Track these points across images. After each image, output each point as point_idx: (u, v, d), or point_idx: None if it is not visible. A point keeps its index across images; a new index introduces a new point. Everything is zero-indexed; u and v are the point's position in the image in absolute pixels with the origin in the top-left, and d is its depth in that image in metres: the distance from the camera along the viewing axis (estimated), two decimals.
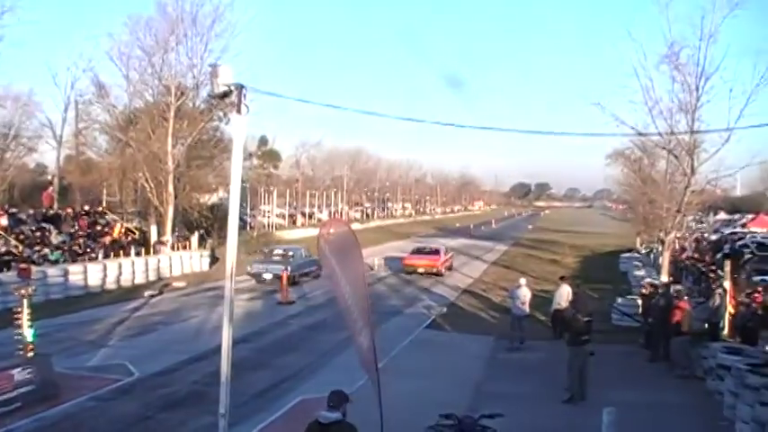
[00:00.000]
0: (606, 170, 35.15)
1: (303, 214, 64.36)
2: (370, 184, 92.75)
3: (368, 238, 46.18)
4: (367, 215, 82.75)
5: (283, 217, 59.88)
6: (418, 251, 31.85)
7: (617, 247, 42.91)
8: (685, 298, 13.96)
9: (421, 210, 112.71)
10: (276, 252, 27.46)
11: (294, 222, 61.52)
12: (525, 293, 16.23)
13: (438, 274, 29.48)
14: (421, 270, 29.72)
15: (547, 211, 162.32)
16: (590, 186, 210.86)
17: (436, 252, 31.56)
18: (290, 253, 26.91)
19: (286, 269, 24.09)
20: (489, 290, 25.68)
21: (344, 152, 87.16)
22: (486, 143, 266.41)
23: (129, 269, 25.35)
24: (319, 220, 62.03)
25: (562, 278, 17.88)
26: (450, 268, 31.60)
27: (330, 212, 67.49)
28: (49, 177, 41.35)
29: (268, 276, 25.19)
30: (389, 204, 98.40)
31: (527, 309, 16.17)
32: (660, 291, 16.00)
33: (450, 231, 65.42)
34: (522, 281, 16.80)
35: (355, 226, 59.89)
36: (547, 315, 17.63)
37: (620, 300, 19.21)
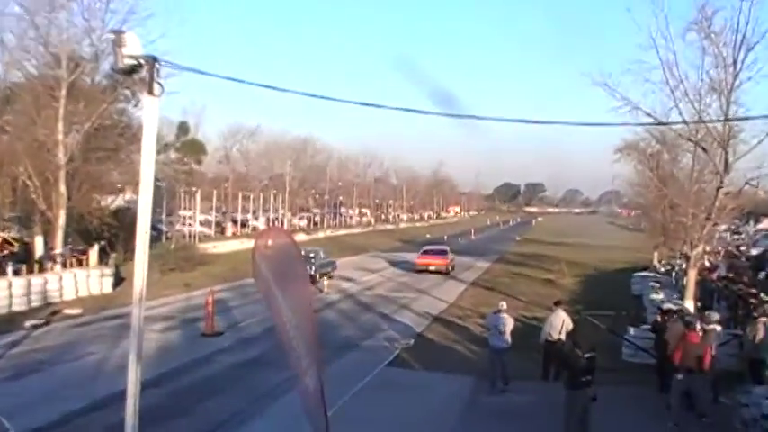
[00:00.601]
0: (615, 168, 35.19)
1: (234, 222, 64.05)
2: (319, 184, 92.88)
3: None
4: (315, 223, 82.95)
5: (209, 225, 59.45)
6: (428, 252, 43.04)
7: (628, 263, 43.58)
8: (698, 327, 14.10)
9: (383, 216, 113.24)
10: None
11: (223, 232, 61.20)
12: (506, 321, 16.45)
13: (447, 273, 40.43)
14: (432, 268, 40.57)
15: (540, 219, 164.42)
16: (594, 188, 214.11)
17: (444, 252, 43.00)
18: (312, 254, 35.46)
19: (311, 269, 31.72)
20: (467, 317, 25.98)
21: (286, 144, 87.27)
22: (464, 135, 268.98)
23: (5, 292, 24.81)
24: (255, 229, 61.72)
25: (557, 303, 17.91)
26: (453, 268, 41.76)
27: (268, 220, 67.34)
28: None
29: None
30: (343, 210, 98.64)
31: (509, 340, 16.35)
32: (668, 318, 16.21)
33: (419, 244, 65.52)
34: (503, 305, 17.02)
35: (300, 238, 59.75)
36: (537, 349, 17.83)
37: (632, 330, 19.42)
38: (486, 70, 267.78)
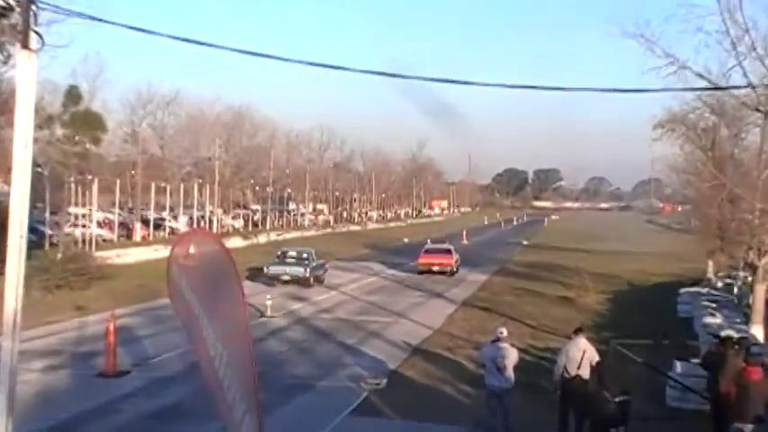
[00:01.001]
0: (654, 149, 35.26)
1: (145, 222, 63.49)
2: (260, 171, 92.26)
3: (252, 262, 45.90)
4: (255, 224, 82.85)
5: (110, 227, 58.92)
6: (430, 251, 51.93)
7: (673, 276, 43.99)
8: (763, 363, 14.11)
9: (345, 215, 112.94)
10: (290, 254, 43.46)
11: (129, 236, 60.76)
12: (508, 353, 16.51)
13: (451, 274, 48.70)
14: (436, 268, 48.83)
15: (554, 216, 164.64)
16: (626, 176, 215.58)
17: (448, 252, 51.34)
18: (305, 255, 43.33)
19: (306, 271, 41.40)
20: (457, 348, 26.00)
21: (215, 117, 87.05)
22: (453, 109, 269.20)
23: None
24: (173, 232, 61.33)
25: (579, 330, 17.80)
26: (457, 269, 50.28)
27: (191, 220, 67.20)
28: None
29: (287, 278, 41.17)
30: (292, 206, 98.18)
31: (512, 378, 16.40)
32: (727, 349, 16.24)
33: (394, 252, 66.01)
34: (503, 331, 17.09)
35: (234, 243, 59.59)
36: (551, 390, 17.78)
37: (678, 366, 19.48)
38: (479, 26, 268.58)
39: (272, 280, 41.09)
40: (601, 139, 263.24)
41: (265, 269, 41.96)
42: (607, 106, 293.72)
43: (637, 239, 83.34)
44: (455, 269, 49.92)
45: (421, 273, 48.57)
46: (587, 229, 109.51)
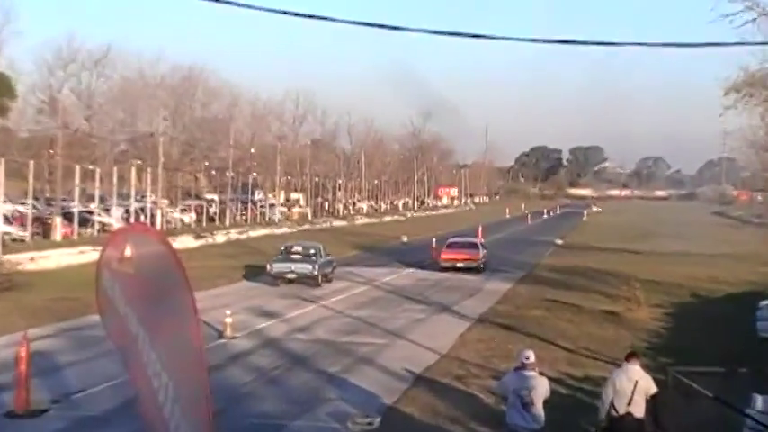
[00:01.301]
0: (726, 120, 35.13)
1: (68, 217, 63.39)
2: (217, 150, 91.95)
3: (208, 269, 46.61)
4: (211, 219, 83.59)
5: (21, 222, 58.84)
6: (454, 245, 59.09)
7: (751, 285, 43.90)
8: None
9: (327, 206, 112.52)
10: (295, 249, 48.39)
11: (47, 234, 60.61)
12: (537, 384, 16.51)
13: (478, 270, 55.47)
14: (460, 264, 55.76)
15: (596, 208, 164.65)
16: (689, 155, 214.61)
17: (474, 246, 59.48)
18: (312, 250, 48.21)
19: (314, 268, 46.33)
20: (470, 378, 26.05)
21: (159, 80, 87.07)
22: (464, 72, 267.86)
23: None
24: (104, 228, 61.21)
25: (631, 355, 17.88)
26: (485, 265, 56.93)
27: (127, 214, 67.51)
28: None
29: (293, 276, 46.03)
30: (259, 195, 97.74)
31: (541, 416, 16.39)
32: None
33: (390, 254, 67.12)
34: (529, 356, 16.98)
35: (183, 243, 60.59)
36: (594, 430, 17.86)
37: (759, 400, 18.93)
38: None
39: (276, 279, 46.43)
40: (656, 109, 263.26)
41: (268, 266, 46.90)
42: (664, 67, 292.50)
43: (703, 237, 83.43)
44: (482, 265, 56.59)
45: (444, 270, 55.45)
46: (639, 223, 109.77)
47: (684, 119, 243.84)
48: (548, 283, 50.40)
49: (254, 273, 51.16)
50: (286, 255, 47.96)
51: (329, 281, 48.55)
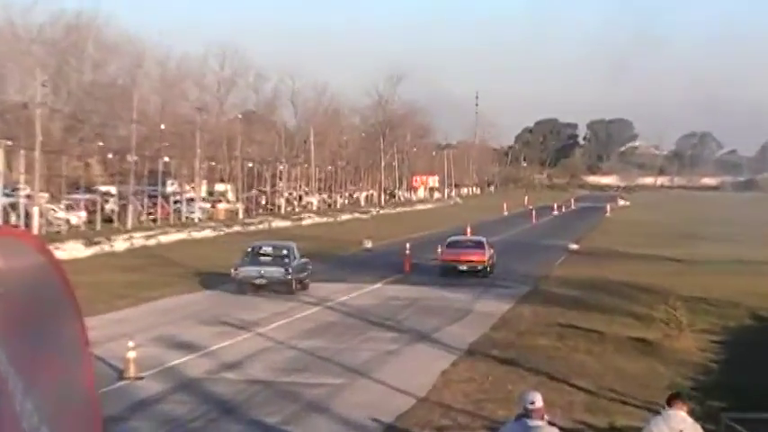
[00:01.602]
0: None
1: None
2: (114, 125, 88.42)
3: (104, 286, 44.37)
4: (108, 219, 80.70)
5: None
6: (456, 244, 57.33)
7: None
8: None
9: (265, 201, 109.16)
10: (264, 250, 46.01)
11: None
12: None
13: (484, 275, 53.68)
14: (464, 267, 53.54)
15: (623, 201, 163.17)
16: (747, 132, 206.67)
17: (479, 245, 56.51)
18: (284, 251, 45.98)
19: (287, 272, 43.86)
20: (457, 431, 24.49)
21: (36, 35, 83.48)
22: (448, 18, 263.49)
23: None
24: None
25: (675, 397, 16.52)
26: (492, 268, 55.47)
27: None
28: None
29: (262, 282, 43.62)
30: (172, 187, 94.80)
31: None
32: None
33: (349, 265, 64.16)
34: (534, 400, 14.94)
35: (70, 251, 59.14)
36: None
37: None
38: None
39: (243, 286, 44.60)
40: (702, 67, 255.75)
41: (233, 272, 44.75)
42: (705, 15, 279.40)
43: (760, 238, 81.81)
44: (489, 268, 55.31)
45: (444, 273, 54.26)
46: (680, 222, 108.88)
47: (740, 79, 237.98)
48: (559, 301, 46.09)
49: (167, 289, 47.53)
50: (253, 257, 46.11)
51: (305, 287, 46.47)
